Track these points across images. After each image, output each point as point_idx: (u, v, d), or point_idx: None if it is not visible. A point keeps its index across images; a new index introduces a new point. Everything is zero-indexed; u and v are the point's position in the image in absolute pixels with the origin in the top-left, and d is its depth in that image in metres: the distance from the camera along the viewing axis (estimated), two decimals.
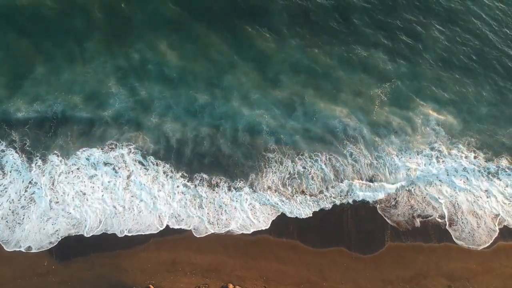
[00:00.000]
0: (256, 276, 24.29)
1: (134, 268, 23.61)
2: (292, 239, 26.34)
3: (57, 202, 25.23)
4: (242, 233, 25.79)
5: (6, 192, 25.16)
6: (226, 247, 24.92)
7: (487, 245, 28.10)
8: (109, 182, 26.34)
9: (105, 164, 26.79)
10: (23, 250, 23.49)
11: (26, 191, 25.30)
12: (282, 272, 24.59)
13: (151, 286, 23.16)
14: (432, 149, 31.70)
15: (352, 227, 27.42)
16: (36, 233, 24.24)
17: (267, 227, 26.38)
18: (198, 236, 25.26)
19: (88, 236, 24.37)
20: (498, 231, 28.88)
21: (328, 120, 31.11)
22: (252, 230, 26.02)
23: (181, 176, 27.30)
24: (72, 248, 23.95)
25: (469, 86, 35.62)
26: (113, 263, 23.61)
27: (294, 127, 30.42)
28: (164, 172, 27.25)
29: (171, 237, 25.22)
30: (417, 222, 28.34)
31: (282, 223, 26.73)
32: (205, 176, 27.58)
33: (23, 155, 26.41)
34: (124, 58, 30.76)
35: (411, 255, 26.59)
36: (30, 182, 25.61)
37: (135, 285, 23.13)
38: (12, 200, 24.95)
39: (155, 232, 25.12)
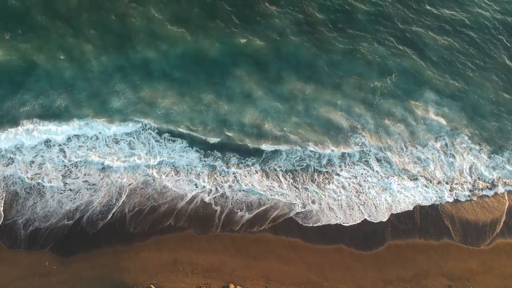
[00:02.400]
0: (257, 276, 24.39)
1: (136, 268, 23.67)
2: (292, 237, 26.38)
3: (74, 178, 25.55)
4: (243, 232, 25.81)
5: (16, 160, 25.31)
6: (227, 247, 24.94)
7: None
8: (129, 155, 26.74)
9: (117, 141, 26.96)
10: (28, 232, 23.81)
11: (32, 162, 25.43)
12: (283, 272, 24.70)
13: (152, 286, 23.28)
14: (436, 140, 31.85)
15: (352, 225, 27.48)
16: (52, 206, 24.64)
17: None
18: (199, 236, 25.34)
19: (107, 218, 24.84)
20: None
21: (330, 114, 31.02)
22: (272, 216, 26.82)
23: (196, 151, 27.79)
24: (73, 247, 23.97)
25: (472, 80, 35.37)
26: (114, 263, 23.66)
27: (297, 121, 30.29)
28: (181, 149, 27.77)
29: (172, 235, 25.20)
30: (418, 219, 28.48)
31: (283, 221, 26.79)
32: (218, 154, 28.11)
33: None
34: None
35: (411, 255, 26.69)
36: (35, 157, 25.58)
37: (136, 285, 23.23)
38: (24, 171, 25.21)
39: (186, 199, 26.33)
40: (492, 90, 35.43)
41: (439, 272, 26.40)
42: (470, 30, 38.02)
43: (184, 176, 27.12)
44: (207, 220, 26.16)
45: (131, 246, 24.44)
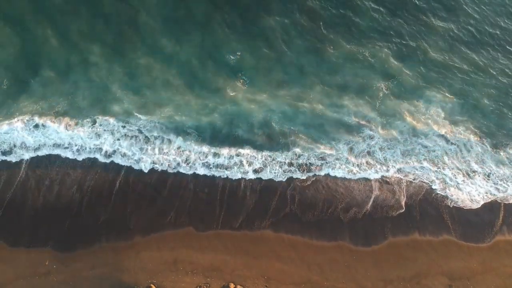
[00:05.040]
0: (258, 275, 24.39)
1: (136, 267, 23.62)
2: (292, 234, 26.30)
3: None
4: (243, 230, 25.72)
5: None
6: (227, 246, 24.85)
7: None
8: None
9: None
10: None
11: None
12: (283, 272, 24.69)
13: (152, 285, 23.29)
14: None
15: (353, 222, 27.42)
16: None
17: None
18: (198, 232, 25.21)
19: None
20: None
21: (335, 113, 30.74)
22: None
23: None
24: (73, 247, 23.85)
25: (475, 80, 35.20)
26: (114, 262, 23.58)
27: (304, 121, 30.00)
28: None
29: (172, 232, 25.04)
30: (417, 215, 28.49)
31: (283, 217, 26.72)
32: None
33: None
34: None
35: (412, 254, 26.71)
36: None
37: (136, 284, 23.23)
38: None
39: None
40: (493, 86, 35.26)
41: (439, 272, 26.46)
42: (471, 28, 37.66)
43: None
44: (209, 201, 26.07)
45: (132, 242, 24.26)
